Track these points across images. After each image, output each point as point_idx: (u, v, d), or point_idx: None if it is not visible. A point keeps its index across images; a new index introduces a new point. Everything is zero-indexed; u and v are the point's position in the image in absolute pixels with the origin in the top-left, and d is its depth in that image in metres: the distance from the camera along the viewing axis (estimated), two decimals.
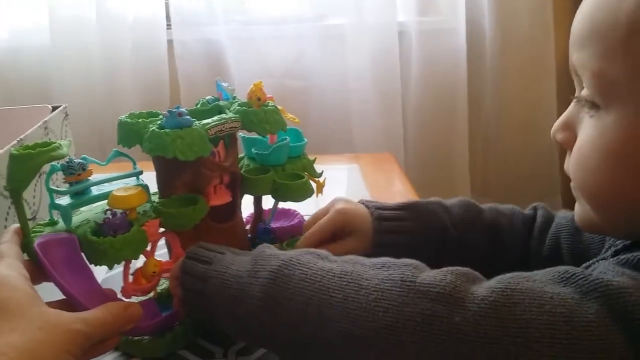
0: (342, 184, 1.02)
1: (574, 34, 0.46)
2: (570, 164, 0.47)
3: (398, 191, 1.01)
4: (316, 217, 0.64)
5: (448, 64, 1.65)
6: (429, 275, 0.42)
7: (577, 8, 0.46)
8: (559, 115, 0.50)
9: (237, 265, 0.50)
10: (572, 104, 0.48)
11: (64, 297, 0.50)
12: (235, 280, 0.48)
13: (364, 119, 1.64)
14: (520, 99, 1.70)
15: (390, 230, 0.61)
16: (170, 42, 1.60)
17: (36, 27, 1.56)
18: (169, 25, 1.59)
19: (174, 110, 0.54)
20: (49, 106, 0.90)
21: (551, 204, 1.80)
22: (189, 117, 0.55)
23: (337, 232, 0.63)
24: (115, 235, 0.52)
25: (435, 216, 0.63)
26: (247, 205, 0.67)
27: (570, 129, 0.47)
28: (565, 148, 0.49)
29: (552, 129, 0.49)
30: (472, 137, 1.71)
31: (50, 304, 0.47)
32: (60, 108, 0.90)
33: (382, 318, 0.41)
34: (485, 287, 0.40)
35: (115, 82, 1.58)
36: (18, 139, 0.72)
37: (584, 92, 0.44)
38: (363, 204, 0.65)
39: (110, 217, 0.53)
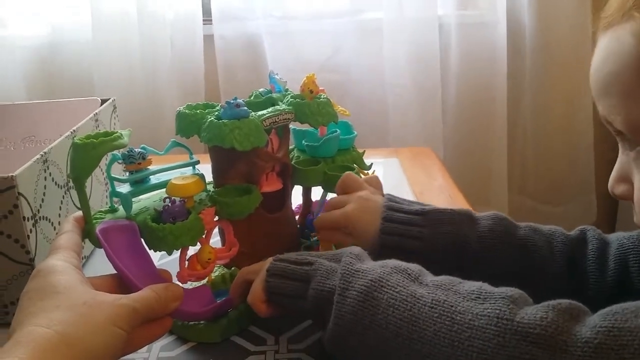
0: (380, 178, 1.02)
1: (592, 88, 0.46)
2: (637, 214, 0.46)
3: (439, 186, 1.01)
4: (335, 204, 0.62)
5: (487, 58, 1.62)
6: (528, 312, 0.39)
7: None
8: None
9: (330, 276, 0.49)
10: (619, 155, 0.47)
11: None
12: (327, 294, 0.48)
13: (401, 114, 1.63)
14: (559, 96, 1.66)
15: (396, 233, 0.57)
16: (208, 38, 1.61)
17: (78, 23, 1.60)
18: (206, 21, 1.61)
19: (232, 101, 0.55)
20: (98, 99, 0.92)
21: (586, 203, 1.75)
22: (246, 108, 0.56)
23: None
24: (175, 223, 0.54)
25: (454, 226, 0.57)
26: (296, 197, 0.68)
27: (626, 180, 0.47)
28: (627, 200, 0.47)
29: (609, 185, 0.48)
30: (510, 133, 1.68)
31: (92, 280, 0.49)
32: (109, 101, 0.92)
33: (475, 359, 0.39)
34: (589, 326, 0.37)
35: (155, 78, 1.60)
36: (71, 130, 0.74)
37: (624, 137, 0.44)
38: (385, 204, 0.60)
39: (170, 204, 0.55)
